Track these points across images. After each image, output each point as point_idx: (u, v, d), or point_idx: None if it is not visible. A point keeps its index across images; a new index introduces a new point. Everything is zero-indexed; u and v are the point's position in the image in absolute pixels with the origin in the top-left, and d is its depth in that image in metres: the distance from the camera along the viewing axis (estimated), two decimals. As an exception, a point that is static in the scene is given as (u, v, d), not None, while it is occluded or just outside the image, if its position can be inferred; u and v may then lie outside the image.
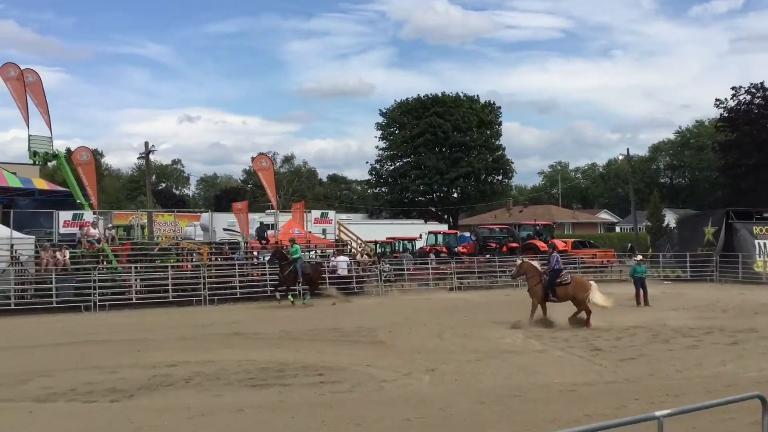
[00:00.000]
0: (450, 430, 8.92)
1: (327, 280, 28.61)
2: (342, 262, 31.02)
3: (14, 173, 34.99)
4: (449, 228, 54.84)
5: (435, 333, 17.24)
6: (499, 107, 66.38)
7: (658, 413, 5.10)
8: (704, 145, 73.83)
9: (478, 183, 64.03)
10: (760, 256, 32.93)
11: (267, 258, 28.02)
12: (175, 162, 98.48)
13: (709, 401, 5.46)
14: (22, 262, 26.28)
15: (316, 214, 36.30)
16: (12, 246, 25.97)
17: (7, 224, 27.11)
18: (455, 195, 64.74)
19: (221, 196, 78.72)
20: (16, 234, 26.64)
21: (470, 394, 10.67)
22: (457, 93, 65.29)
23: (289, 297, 25.33)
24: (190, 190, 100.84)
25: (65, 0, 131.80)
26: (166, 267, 27.53)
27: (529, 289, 19.09)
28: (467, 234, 47.44)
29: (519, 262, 20.58)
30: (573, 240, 43.83)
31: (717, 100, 46.48)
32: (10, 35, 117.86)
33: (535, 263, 20.18)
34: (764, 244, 33.07)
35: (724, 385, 10.90)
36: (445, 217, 64.69)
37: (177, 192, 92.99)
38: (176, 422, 9.18)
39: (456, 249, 39.67)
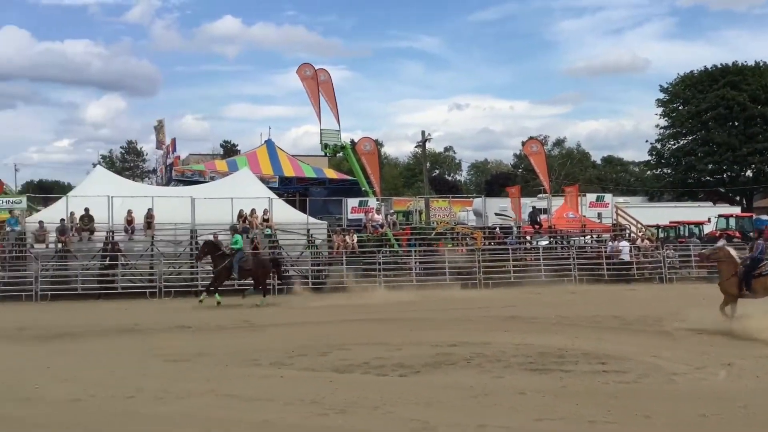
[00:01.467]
0: (752, 430, 8.09)
1: (279, 276, 24.16)
2: (624, 247, 29.67)
3: (308, 164, 38.80)
4: (742, 211, 49.61)
5: (728, 325, 15.72)
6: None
7: None
8: None
9: (777, 159, 57.07)
10: None
11: (196, 253, 24.35)
12: (447, 149, 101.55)
13: None
14: (317, 245, 29.04)
15: (591, 197, 35.11)
16: (308, 231, 28.81)
17: (303, 211, 30.16)
18: (749, 174, 58.38)
19: (492, 181, 79.57)
20: (312, 220, 29.52)
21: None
22: (755, 61, 58.69)
23: (216, 297, 21.33)
24: (462, 176, 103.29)
25: (346, 2, 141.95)
26: (443, 251, 28.60)
27: (720, 282, 16.47)
28: (765, 217, 42.52)
29: (719, 244, 18.29)
30: None
31: None
32: (299, 39, 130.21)
33: (734, 252, 17.11)
34: None
35: None
36: (737, 198, 58.68)
37: (449, 178, 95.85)
38: (461, 400, 9.46)
39: (751, 234, 35.78)
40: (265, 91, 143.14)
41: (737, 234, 35.65)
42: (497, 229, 33.56)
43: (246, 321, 18.18)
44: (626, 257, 29.13)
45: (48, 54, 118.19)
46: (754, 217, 41.50)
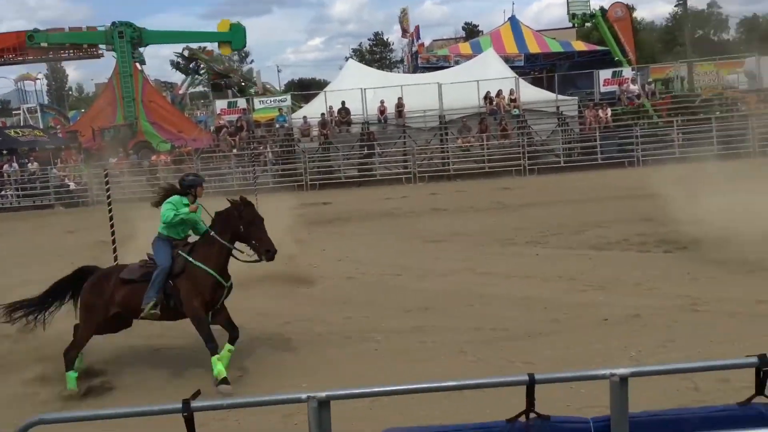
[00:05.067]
0: None
1: None
2: None
3: (554, 39, 37.04)
4: None
5: None
6: None
7: None
8: None
9: None
10: None
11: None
12: (710, 5, 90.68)
13: None
14: (568, 122, 28.02)
15: None
16: (558, 108, 27.84)
17: (551, 88, 29.09)
18: None
19: (766, 37, 69.90)
20: (561, 96, 28.42)
21: None
22: None
23: None
24: (730, 35, 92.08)
25: None
26: (710, 119, 26.08)
27: None
28: None
29: None
30: None
31: None
32: None
33: None
34: None
35: None
36: None
37: (715, 38, 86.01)
38: (730, 275, 8.79)
39: None
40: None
41: None
42: (775, 91, 29.69)
43: (498, 202, 18.36)
44: None
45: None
46: None
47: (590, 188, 19.62)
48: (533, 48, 36.50)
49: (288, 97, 32.94)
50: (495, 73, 28.79)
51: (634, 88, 28.25)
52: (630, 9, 47.19)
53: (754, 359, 3.02)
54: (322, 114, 28.10)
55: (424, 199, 20.25)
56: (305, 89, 60.22)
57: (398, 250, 12.46)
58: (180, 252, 7.26)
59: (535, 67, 36.57)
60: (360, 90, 27.48)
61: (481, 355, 6.95)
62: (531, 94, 28.66)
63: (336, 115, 28.38)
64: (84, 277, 7.49)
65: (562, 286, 9.02)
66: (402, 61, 68.17)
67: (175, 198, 7.38)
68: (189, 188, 7.41)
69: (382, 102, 27.76)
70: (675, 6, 55.04)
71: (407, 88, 27.78)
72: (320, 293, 9.84)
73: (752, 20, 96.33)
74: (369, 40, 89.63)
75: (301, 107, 31.90)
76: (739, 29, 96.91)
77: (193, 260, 7.18)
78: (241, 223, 7.13)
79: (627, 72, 29.23)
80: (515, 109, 27.65)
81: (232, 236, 7.25)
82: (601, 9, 33.08)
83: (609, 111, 26.89)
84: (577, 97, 29.17)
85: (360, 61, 55.63)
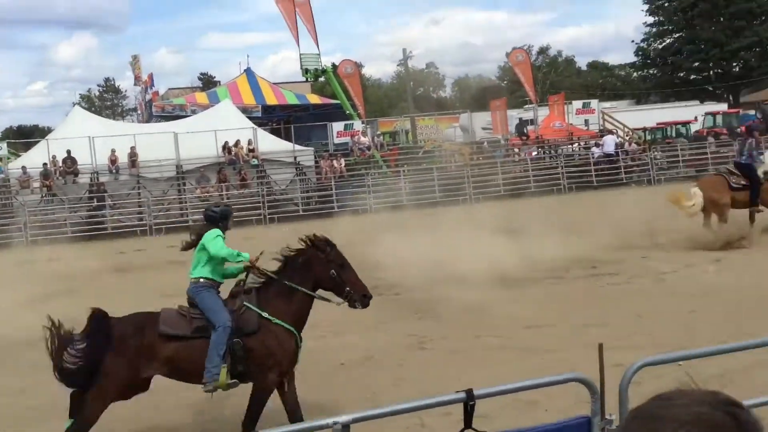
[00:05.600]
0: (738, 322, 8.23)
1: None
2: (610, 139, 29.73)
3: (290, 91, 38.16)
4: (729, 107, 49.42)
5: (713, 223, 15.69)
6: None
7: None
8: None
9: (763, 54, 56.39)
10: None
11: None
12: (429, 65, 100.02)
13: None
14: (305, 171, 28.90)
15: (577, 104, 34.86)
16: (295, 158, 28.61)
17: (289, 139, 29.86)
18: (736, 69, 57.88)
19: (477, 95, 78.80)
20: (298, 147, 29.27)
21: (764, 285, 9.70)
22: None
23: None
24: (446, 92, 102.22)
25: None
26: (432, 169, 28.53)
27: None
28: (752, 112, 42.39)
29: None
30: None
31: None
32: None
33: None
34: None
35: None
36: (725, 95, 58.33)
37: (434, 96, 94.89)
38: (452, 314, 9.54)
39: (739, 130, 35.74)
40: (239, 18, 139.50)
41: (724, 131, 35.61)
42: (485, 143, 33.42)
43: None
44: (611, 149, 29.13)
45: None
46: (741, 112, 41.42)
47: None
48: (270, 99, 37.20)
49: (4, 144, 29.93)
50: (233, 123, 28.83)
51: (365, 139, 30.04)
52: (359, 66, 50.19)
53: (462, 395, 3.30)
54: (45, 164, 25.87)
55: (161, 252, 19.41)
56: (26, 137, 55.06)
57: (133, 307, 11.74)
58: (247, 304, 5.75)
59: (272, 118, 37.28)
60: (88, 138, 25.80)
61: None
62: (269, 144, 29.13)
63: (61, 164, 26.31)
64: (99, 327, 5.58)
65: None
66: (135, 109, 65.38)
67: (215, 229, 5.95)
68: (224, 219, 6.12)
69: (113, 151, 26.34)
70: (398, 65, 60.15)
71: (141, 137, 26.73)
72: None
73: (464, 80, 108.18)
74: (99, 86, 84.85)
75: (19, 156, 29.16)
76: (454, 88, 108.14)
77: (271, 317, 5.70)
78: (333, 267, 5.87)
79: (357, 125, 31.01)
80: (254, 159, 27.87)
81: (315, 283, 5.92)
82: (333, 65, 34.86)
83: (343, 161, 28.23)
84: (313, 148, 30.23)
85: (89, 108, 52.41)
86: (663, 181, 28.23)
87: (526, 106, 39.49)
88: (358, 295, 5.90)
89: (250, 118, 31.38)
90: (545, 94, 51.54)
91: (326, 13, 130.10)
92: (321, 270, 5.92)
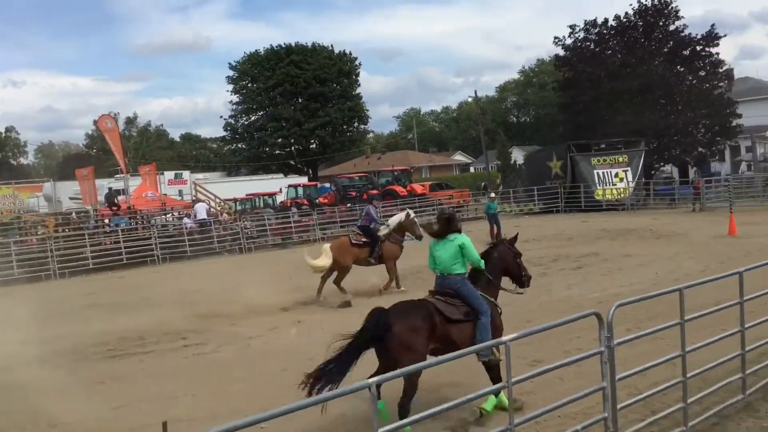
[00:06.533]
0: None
1: None
2: (201, 207, 30.31)
3: None
4: (309, 180, 54.69)
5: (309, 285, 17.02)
6: (356, 57, 66.04)
7: (505, 338, 5.40)
8: (546, 83, 77.29)
9: (335, 133, 63.95)
10: (599, 185, 35.34)
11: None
12: (8, 129, 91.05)
13: (550, 323, 5.82)
14: None
15: (169, 175, 35.12)
16: None
17: None
18: (314, 146, 64.43)
19: (64, 163, 74.08)
20: None
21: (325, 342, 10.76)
22: (313, 43, 64.43)
23: None
24: (29, 159, 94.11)
25: None
26: (9, 243, 25.72)
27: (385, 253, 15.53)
28: (327, 185, 47.58)
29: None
30: (430, 183, 45.05)
31: (556, 38, 47.80)
32: None
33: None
34: (603, 173, 35.50)
35: (571, 307, 11.72)
36: (305, 169, 64.37)
37: (14, 163, 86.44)
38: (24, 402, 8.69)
39: (317, 200, 39.75)
40: None
41: (305, 201, 39.21)
42: (73, 213, 31.40)
43: None
44: (203, 215, 29.79)
45: None
46: (319, 185, 46.12)
47: None
48: None
49: None
50: None
51: None
52: None
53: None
54: None
55: None
56: None
57: None
58: (483, 294, 7.32)
59: None
60: None
61: None
62: None
63: None
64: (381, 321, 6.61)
65: None
66: None
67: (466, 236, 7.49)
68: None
69: None
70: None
71: None
72: None
73: (49, 146, 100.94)
74: None
75: None
76: (37, 155, 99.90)
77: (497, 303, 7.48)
78: (519, 260, 7.67)
79: None
80: None
81: (501, 274, 7.62)
82: None
83: None
84: None
85: None
86: (253, 249, 29.73)
87: (117, 175, 38.35)
88: (526, 279, 7.85)
89: None
90: (138, 164, 50.77)
91: None
92: (511, 263, 7.75)
